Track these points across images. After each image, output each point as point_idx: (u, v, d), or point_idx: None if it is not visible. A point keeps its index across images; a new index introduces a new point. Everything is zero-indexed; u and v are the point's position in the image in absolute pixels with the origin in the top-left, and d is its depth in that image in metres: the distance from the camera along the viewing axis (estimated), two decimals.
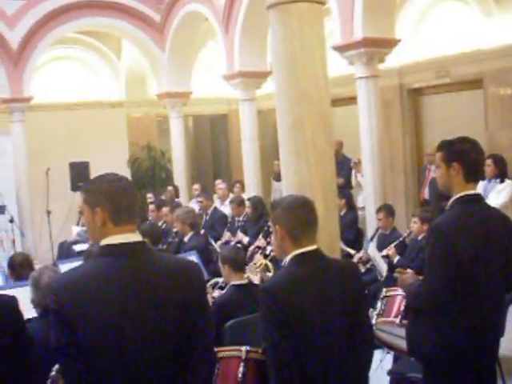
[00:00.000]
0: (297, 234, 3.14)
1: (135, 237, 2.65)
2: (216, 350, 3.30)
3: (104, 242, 2.62)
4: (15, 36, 12.51)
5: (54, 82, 14.42)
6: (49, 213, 12.51)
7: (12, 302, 2.58)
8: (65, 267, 6.48)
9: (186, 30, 13.24)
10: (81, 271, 2.65)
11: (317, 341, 3.01)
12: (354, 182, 11.01)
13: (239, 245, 8.92)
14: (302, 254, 3.13)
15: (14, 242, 11.56)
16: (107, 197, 2.62)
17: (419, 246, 7.10)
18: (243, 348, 3.77)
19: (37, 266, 5.89)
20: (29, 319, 4.02)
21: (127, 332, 2.50)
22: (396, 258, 7.29)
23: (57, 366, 3.23)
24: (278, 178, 11.89)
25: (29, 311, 4.25)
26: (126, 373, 2.49)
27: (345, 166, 10.98)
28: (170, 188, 12.46)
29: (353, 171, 10.97)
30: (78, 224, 11.73)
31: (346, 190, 10.19)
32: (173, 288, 2.60)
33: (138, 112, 15.47)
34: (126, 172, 13.48)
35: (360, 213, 10.03)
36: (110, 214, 2.61)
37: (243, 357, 3.74)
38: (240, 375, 3.71)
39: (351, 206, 9.45)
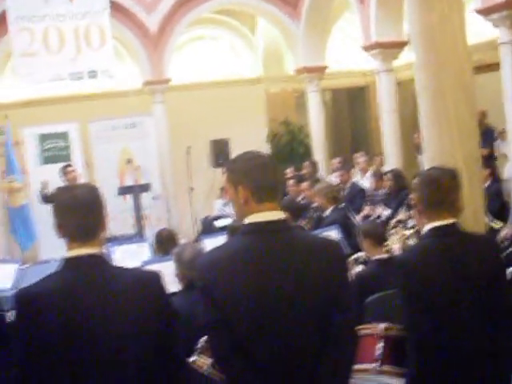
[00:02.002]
0: (433, 208, 3.05)
1: (278, 214, 2.64)
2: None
3: (247, 220, 2.64)
4: (154, 20, 12.93)
5: (192, 62, 14.74)
6: (191, 189, 12.85)
7: (155, 277, 2.66)
8: (208, 242, 6.66)
9: (321, 3, 13.12)
10: (224, 249, 2.69)
11: (450, 315, 2.92)
12: (498, 153, 10.56)
13: (380, 219, 8.81)
14: (439, 227, 3.04)
15: (158, 218, 11.99)
16: (248, 175, 2.63)
17: None
18: (380, 325, 3.72)
19: (181, 241, 6.10)
20: (174, 293, 4.16)
21: (270, 309, 2.51)
22: None
23: (205, 337, 3.31)
24: (418, 151, 11.61)
25: (174, 284, 4.40)
26: (269, 349, 2.51)
27: (488, 137, 10.54)
28: (308, 163, 12.46)
29: (497, 142, 10.52)
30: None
31: (490, 161, 9.80)
32: (315, 265, 2.57)
33: (275, 88, 15.52)
34: (265, 148, 13.61)
35: (506, 185, 9.62)
36: (251, 192, 2.61)
37: (381, 334, 3.69)
38: (378, 352, 3.65)
39: (496, 178, 9.08)
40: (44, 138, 12.46)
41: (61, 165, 11.14)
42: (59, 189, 2.72)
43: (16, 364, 2.58)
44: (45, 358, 2.47)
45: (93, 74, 12.54)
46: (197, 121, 13.73)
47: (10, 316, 5.87)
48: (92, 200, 2.64)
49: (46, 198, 10.05)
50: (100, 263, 2.61)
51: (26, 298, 2.57)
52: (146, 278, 2.65)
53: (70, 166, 10.55)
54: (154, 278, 2.65)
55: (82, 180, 10.45)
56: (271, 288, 2.52)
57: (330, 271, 2.59)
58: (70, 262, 2.59)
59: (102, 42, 12.50)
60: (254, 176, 2.62)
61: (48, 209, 9.31)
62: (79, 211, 2.58)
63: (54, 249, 11.10)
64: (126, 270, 2.73)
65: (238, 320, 2.52)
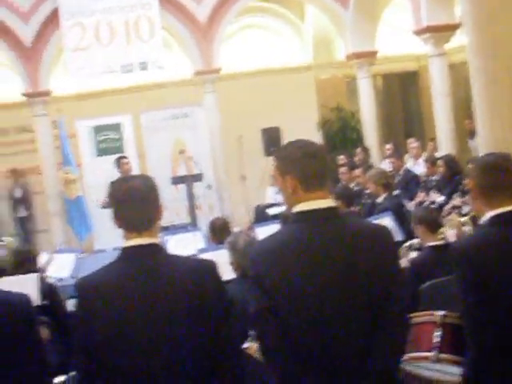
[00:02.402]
0: (491, 194, 2.99)
1: (326, 203, 2.63)
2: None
3: (296, 208, 2.63)
4: (203, 10, 13.00)
5: (242, 51, 14.76)
6: (243, 178, 12.89)
7: (211, 266, 2.68)
8: (261, 230, 6.69)
9: None
10: (274, 238, 2.68)
11: (508, 307, 2.86)
12: None
13: (433, 205, 8.70)
14: (499, 215, 2.98)
15: (211, 207, 12.06)
16: (296, 164, 2.62)
17: None
18: (437, 313, 3.66)
19: (234, 230, 6.13)
20: (229, 281, 4.20)
21: (320, 298, 2.50)
22: None
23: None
24: (470, 136, 11.44)
25: (229, 273, 4.43)
26: (318, 339, 2.51)
27: None
28: (360, 149, 12.38)
29: None
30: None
31: None
32: (365, 253, 2.55)
33: (325, 74, 15.44)
34: (316, 135, 13.58)
35: None
36: (299, 181, 2.60)
37: (438, 322, 3.64)
38: (435, 340, 3.59)
39: None
40: (97, 130, 12.66)
41: (114, 156, 11.31)
42: (116, 180, 2.76)
43: (76, 351, 2.65)
44: (104, 345, 2.53)
45: (143, 66, 12.68)
46: (248, 109, 13.74)
47: (69, 304, 6.05)
48: (148, 190, 2.67)
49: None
50: (157, 252, 2.65)
51: (85, 287, 2.64)
52: (202, 267, 2.68)
53: (124, 157, 10.67)
54: (210, 267, 2.67)
55: (135, 171, 10.55)
56: (321, 277, 2.52)
57: (381, 258, 2.57)
58: (127, 252, 2.64)
59: (151, 34, 12.63)
60: (302, 165, 2.61)
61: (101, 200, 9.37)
62: (136, 202, 2.62)
63: (108, 239, 11.39)
64: (182, 258, 2.76)
65: (287, 309, 2.53)
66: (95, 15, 12.52)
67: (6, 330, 2.54)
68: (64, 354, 5.29)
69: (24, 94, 12.86)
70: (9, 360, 2.54)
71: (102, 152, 12.58)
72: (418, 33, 11.63)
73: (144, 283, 2.55)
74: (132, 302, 2.54)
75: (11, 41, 12.64)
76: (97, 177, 12.20)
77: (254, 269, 2.64)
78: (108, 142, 12.62)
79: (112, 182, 2.73)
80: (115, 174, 11.59)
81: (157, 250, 2.65)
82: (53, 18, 12.51)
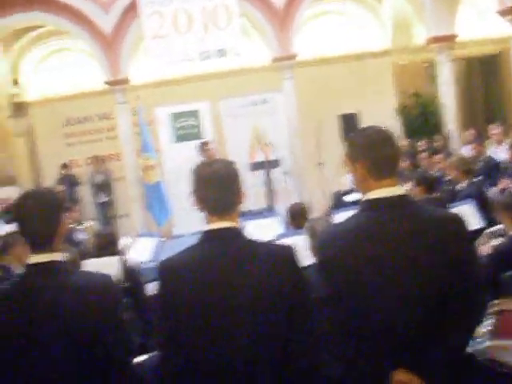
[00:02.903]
0: None
1: (396, 190, 2.60)
2: (497, 302, 3.17)
3: (365, 196, 2.63)
4: None
5: (320, 36, 14.66)
6: (321, 164, 12.83)
7: (289, 251, 2.68)
8: (339, 217, 6.64)
9: None
10: (343, 225, 2.69)
11: None
12: None
13: None
14: None
15: (288, 193, 12.06)
16: (365, 151, 2.60)
17: None
18: None
19: (313, 216, 6.11)
20: (308, 266, 4.19)
21: (385, 285, 2.50)
22: None
23: None
24: None
25: (307, 258, 4.42)
26: (383, 325, 2.51)
27: None
28: (440, 135, 12.15)
29: None
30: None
31: None
32: (434, 240, 2.52)
33: (404, 59, 15.19)
34: (395, 121, 13.38)
35: None
36: (368, 169, 2.59)
37: None
38: None
39: None
40: (176, 116, 12.83)
41: (192, 143, 11.43)
42: (199, 164, 2.79)
43: (157, 331, 2.71)
44: (184, 326, 2.58)
45: (221, 53, 12.73)
46: (325, 95, 13.67)
47: (149, 287, 6.16)
48: (230, 175, 2.69)
49: None
50: (237, 236, 2.67)
51: (167, 268, 2.69)
52: (281, 252, 2.68)
53: (208, 142, 10.73)
54: (288, 252, 2.67)
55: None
56: (388, 264, 2.51)
57: (451, 245, 2.53)
58: (208, 235, 2.67)
59: (229, 21, 12.67)
60: (371, 152, 2.59)
61: (181, 185, 9.60)
62: (218, 185, 2.64)
63: (187, 224, 11.54)
64: (262, 243, 2.76)
65: (352, 295, 2.53)
66: (173, 3, 12.65)
67: (92, 311, 2.59)
68: (144, 336, 5.41)
69: (105, 83, 13.12)
70: (93, 340, 2.59)
71: (180, 138, 12.75)
72: (503, 13, 11.28)
73: (224, 266, 2.58)
74: (212, 284, 2.56)
75: (92, 30, 12.92)
76: (175, 163, 12.38)
77: (321, 254, 2.67)
78: (186, 129, 12.77)
79: (195, 166, 2.76)
80: (193, 160, 11.74)
81: (237, 233, 2.67)
82: (132, 7, 12.71)
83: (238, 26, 12.87)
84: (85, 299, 2.59)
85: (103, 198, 14.34)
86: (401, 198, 2.62)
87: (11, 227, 9.48)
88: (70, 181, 13.82)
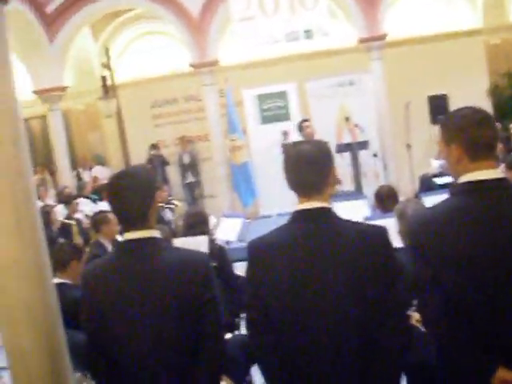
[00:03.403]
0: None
1: (494, 173, 2.54)
2: None
3: (462, 179, 2.57)
4: None
5: (409, 16, 14.37)
6: (409, 146, 12.62)
7: (382, 231, 2.66)
8: (428, 200, 6.52)
9: None
10: (437, 209, 2.64)
11: None
12: None
13: None
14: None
15: (376, 175, 11.93)
16: (461, 132, 2.54)
17: None
18: None
19: (400, 198, 6.02)
20: (396, 249, 4.14)
21: (485, 268, 2.45)
22: None
23: None
24: None
25: (396, 241, 4.36)
26: (488, 304, 2.46)
27: None
28: None
29: None
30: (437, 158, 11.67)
31: None
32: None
33: (496, 38, 14.73)
34: (485, 102, 13.01)
35: None
36: (464, 151, 2.53)
37: None
38: None
39: None
40: (263, 98, 12.85)
41: (279, 124, 11.45)
42: (290, 144, 2.80)
43: (249, 308, 2.75)
44: (273, 304, 2.62)
45: (308, 34, 12.66)
46: (414, 76, 13.38)
47: (237, 266, 6.23)
48: (318, 155, 2.68)
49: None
50: (328, 216, 2.66)
51: (257, 247, 2.72)
52: (373, 232, 2.66)
53: (306, 121, 10.67)
54: (381, 233, 2.65)
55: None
56: (487, 247, 2.46)
57: None
58: (298, 215, 2.68)
59: (315, 2, 12.56)
60: (467, 134, 2.53)
61: (268, 166, 9.68)
62: (305, 166, 2.65)
63: (273, 205, 11.61)
64: (354, 223, 2.75)
65: (451, 279, 2.49)
66: None
67: (187, 285, 2.66)
68: (232, 314, 5.49)
69: (190, 65, 13.26)
70: (187, 314, 2.66)
71: (267, 120, 12.77)
72: None
73: (315, 245, 2.58)
74: (302, 263, 2.58)
75: (179, 13, 13.06)
76: (262, 144, 12.44)
77: (414, 238, 2.63)
78: (273, 110, 12.78)
79: (284, 146, 2.77)
80: (279, 141, 11.79)
81: (328, 213, 2.67)
82: None
83: (325, 7, 12.75)
84: (180, 274, 2.67)
85: (190, 179, 14.55)
86: (500, 181, 2.55)
87: (103, 205, 9.79)
88: (159, 161, 14.07)
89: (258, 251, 2.70)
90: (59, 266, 4.84)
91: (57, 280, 4.42)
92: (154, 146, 14.50)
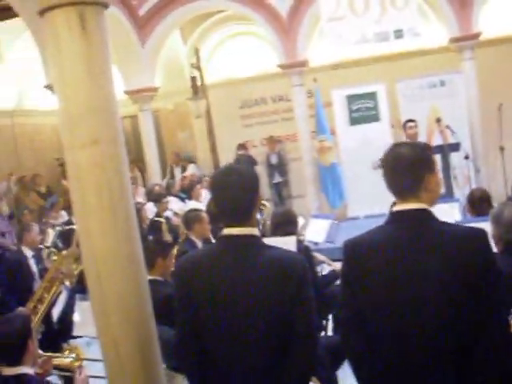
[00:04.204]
0: None
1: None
2: None
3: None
4: None
5: (500, 14, 13.94)
6: (502, 149, 12.28)
7: (482, 234, 2.60)
8: None
9: None
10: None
11: None
12: None
13: None
14: None
15: (467, 178, 11.65)
16: None
17: None
18: None
19: (495, 204, 5.85)
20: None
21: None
22: None
23: None
24: None
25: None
26: None
27: None
28: None
29: None
30: None
31: None
32: None
33: None
34: None
35: None
36: None
37: None
38: None
39: None
40: (352, 99, 12.75)
41: (368, 125, 11.33)
42: (388, 147, 2.80)
43: (343, 307, 2.79)
44: (368, 302, 2.64)
45: (398, 34, 12.48)
46: (508, 76, 13.02)
47: (323, 268, 6.23)
48: (413, 157, 2.67)
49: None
50: (426, 218, 2.64)
51: (354, 246, 2.73)
52: (474, 235, 2.61)
53: (411, 121, 10.53)
54: (481, 236, 2.60)
55: (391, 141, 10.40)
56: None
57: None
58: (396, 216, 2.67)
59: (406, 1, 12.38)
60: None
61: (356, 168, 9.59)
62: (400, 168, 2.65)
63: (361, 207, 11.51)
64: (454, 225, 2.71)
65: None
66: None
67: (284, 283, 2.68)
68: (318, 316, 5.48)
69: (280, 66, 13.29)
70: (280, 316, 2.66)
71: (356, 121, 12.67)
72: None
73: (413, 246, 2.57)
74: (399, 262, 2.57)
75: (269, 14, 13.12)
76: (350, 145, 12.35)
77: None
78: (362, 111, 12.66)
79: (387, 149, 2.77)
80: (368, 142, 11.69)
81: (426, 215, 2.65)
82: None
83: (416, 6, 12.55)
84: (278, 272, 2.69)
85: (278, 179, 14.60)
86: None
87: (192, 204, 9.96)
88: (247, 161, 14.14)
89: (354, 251, 2.70)
90: (147, 264, 4.94)
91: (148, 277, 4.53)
92: (242, 146, 14.63)
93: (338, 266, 5.98)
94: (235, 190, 2.73)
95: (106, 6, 3.32)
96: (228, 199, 2.75)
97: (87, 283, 3.30)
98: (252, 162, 14.29)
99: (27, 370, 3.50)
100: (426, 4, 13.74)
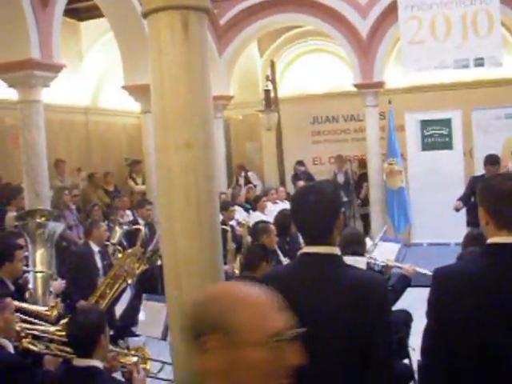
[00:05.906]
0: None
1: None
2: None
3: None
4: None
5: None
6: None
7: None
8: None
9: None
10: None
11: None
12: None
13: None
14: None
15: None
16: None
17: None
18: None
19: None
20: None
21: None
22: None
23: None
24: None
25: None
26: None
27: None
28: None
29: None
30: None
31: None
32: None
33: None
34: None
35: None
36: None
37: None
38: None
39: None
40: (425, 124, 12.62)
41: (438, 152, 11.17)
42: (502, 175, 2.74)
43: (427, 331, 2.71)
44: (455, 331, 2.55)
45: (479, 62, 12.29)
46: None
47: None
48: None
49: None
50: None
51: (444, 275, 2.67)
52: None
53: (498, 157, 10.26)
54: None
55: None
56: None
57: None
58: (490, 248, 2.60)
59: (489, 29, 12.18)
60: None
61: (424, 194, 9.36)
62: (506, 200, 2.56)
63: (425, 233, 11.35)
64: None
65: None
66: (432, 9, 12.41)
67: (365, 306, 2.62)
68: None
69: (356, 85, 13.22)
70: (360, 334, 2.61)
71: (428, 146, 12.52)
72: None
73: (506, 279, 2.48)
74: (490, 295, 2.49)
75: (349, 33, 13.04)
76: (420, 170, 12.21)
77: None
78: (435, 137, 12.51)
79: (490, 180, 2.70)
80: (438, 169, 11.52)
81: None
82: (390, 12, 12.64)
83: (499, 36, 12.33)
84: (359, 294, 2.64)
85: (343, 198, 14.49)
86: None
87: (257, 215, 9.95)
88: (305, 178, 14.06)
89: (444, 279, 2.64)
90: (251, 266, 5.36)
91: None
92: (300, 163, 14.64)
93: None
94: (315, 209, 2.69)
95: (207, 11, 3.35)
96: (307, 218, 2.73)
97: (165, 285, 3.32)
98: (310, 179, 14.21)
99: (97, 363, 3.53)
100: (509, 34, 13.48)
